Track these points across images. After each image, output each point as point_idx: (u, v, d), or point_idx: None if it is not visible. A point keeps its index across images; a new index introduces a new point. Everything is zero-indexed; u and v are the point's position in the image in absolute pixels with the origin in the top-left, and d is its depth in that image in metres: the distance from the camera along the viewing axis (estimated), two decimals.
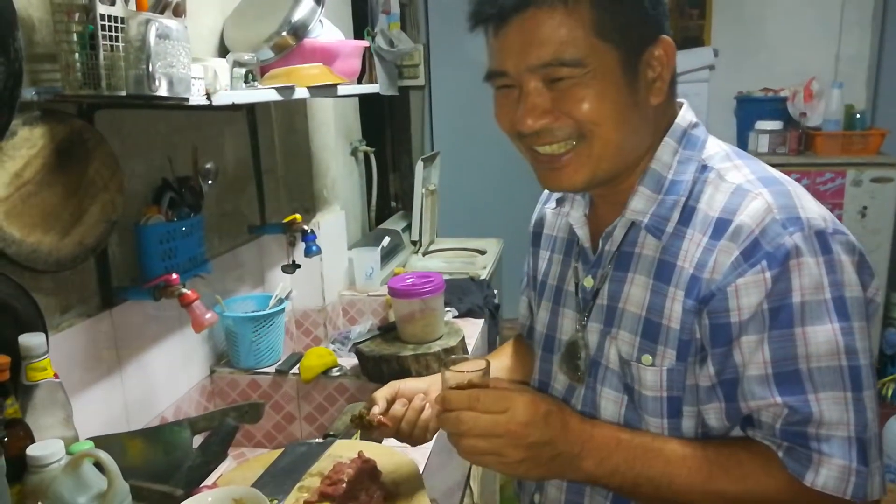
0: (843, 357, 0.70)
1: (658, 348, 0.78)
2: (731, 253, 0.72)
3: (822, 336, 0.70)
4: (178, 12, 1.15)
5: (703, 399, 0.77)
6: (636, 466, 0.76)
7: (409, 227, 2.87)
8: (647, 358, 0.79)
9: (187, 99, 1.04)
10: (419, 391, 0.97)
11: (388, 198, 3.37)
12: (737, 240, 0.72)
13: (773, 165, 0.82)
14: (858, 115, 3.33)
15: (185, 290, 1.21)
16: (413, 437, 0.96)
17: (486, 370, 0.79)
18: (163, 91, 1.00)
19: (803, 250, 0.70)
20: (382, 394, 0.97)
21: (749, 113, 3.47)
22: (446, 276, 2.35)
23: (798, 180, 0.80)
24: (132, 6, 1.07)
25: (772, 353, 0.71)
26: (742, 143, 3.47)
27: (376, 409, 0.95)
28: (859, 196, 3.15)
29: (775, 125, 3.35)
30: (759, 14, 3.53)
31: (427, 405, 0.96)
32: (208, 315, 1.22)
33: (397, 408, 0.95)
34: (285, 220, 1.73)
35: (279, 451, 1.13)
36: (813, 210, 0.74)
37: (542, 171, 0.81)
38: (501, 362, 1.09)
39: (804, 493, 0.71)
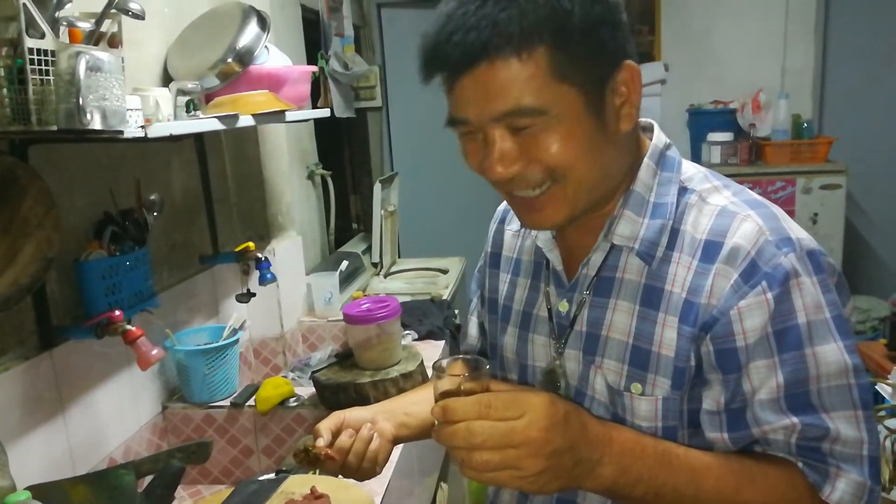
0: (850, 375, 0.70)
1: (648, 376, 0.76)
2: (730, 276, 0.71)
3: (830, 356, 0.69)
4: (114, 43, 1.13)
5: (707, 427, 0.75)
6: (661, 475, 0.69)
7: (369, 249, 2.85)
8: (636, 386, 0.76)
9: (122, 132, 1.02)
10: (366, 420, 0.92)
11: (349, 220, 3.36)
12: (733, 262, 0.71)
13: (725, 175, 0.82)
14: (805, 125, 3.44)
15: (128, 327, 1.17)
16: (361, 470, 0.90)
17: (485, 370, 0.69)
18: (95, 125, 0.97)
19: (800, 270, 0.70)
20: (326, 425, 0.91)
21: (701, 125, 3.55)
22: (408, 298, 2.34)
23: (750, 189, 0.80)
24: (64, 39, 1.04)
25: (785, 377, 0.69)
26: (695, 154, 3.54)
27: (321, 442, 0.88)
28: (810, 203, 3.24)
29: (726, 136, 3.43)
30: (705, 29, 3.63)
31: (375, 435, 0.91)
32: (154, 351, 1.18)
33: (343, 439, 0.89)
34: (237, 249, 1.70)
35: (229, 490, 1.09)
36: (800, 231, 0.74)
37: (521, 212, 0.79)
38: None
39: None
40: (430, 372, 1.70)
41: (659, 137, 0.82)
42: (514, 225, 0.98)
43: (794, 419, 0.69)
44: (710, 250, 0.73)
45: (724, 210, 0.75)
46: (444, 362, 0.72)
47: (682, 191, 0.79)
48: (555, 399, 0.66)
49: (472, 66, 0.69)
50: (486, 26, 0.67)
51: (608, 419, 0.79)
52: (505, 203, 1.04)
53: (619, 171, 0.78)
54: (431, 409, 0.68)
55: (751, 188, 0.81)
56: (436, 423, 0.67)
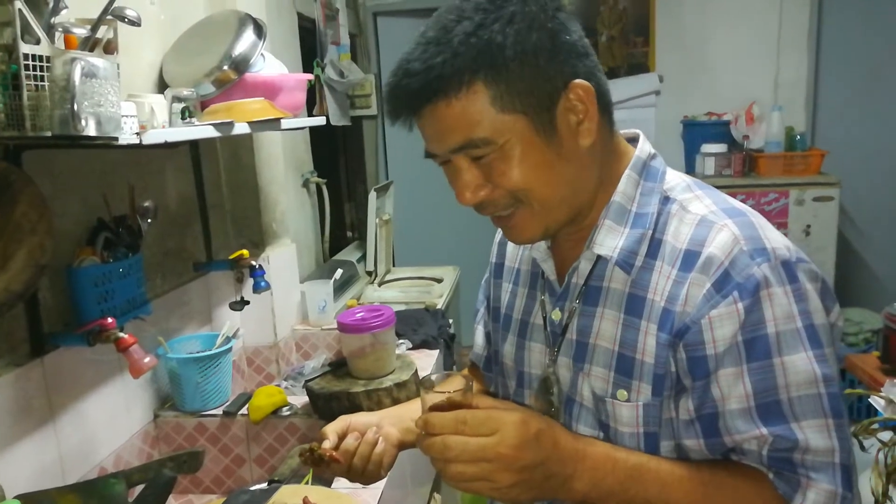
0: (820, 385, 0.70)
1: (633, 383, 0.77)
2: (703, 285, 0.72)
3: (800, 365, 0.70)
4: (110, 49, 1.12)
5: (682, 435, 0.76)
6: (632, 488, 0.72)
7: (364, 258, 2.85)
8: (622, 393, 0.78)
9: (116, 138, 1.01)
10: (371, 425, 0.94)
11: (343, 228, 3.35)
12: (707, 272, 0.72)
13: (719, 187, 0.83)
14: (798, 137, 3.46)
15: (121, 334, 1.16)
16: (366, 474, 0.92)
17: (469, 387, 0.75)
18: (90, 131, 0.96)
19: (772, 280, 0.71)
20: (333, 428, 0.93)
21: (695, 136, 3.56)
22: (403, 306, 2.34)
23: (743, 201, 0.81)
24: (60, 45, 1.04)
25: (753, 386, 0.71)
26: (689, 165, 3.56)
27: (327, 444, 0.90)
28: (803, 215, 3.25)
29: (720, 148, 3.44)
30: (700, 41, 3.65)
31: (381, 439, 0.93)
32: (147, 359, 1.17)
33: (349, 442, 0.91)
34: (231, 256, 1.69)
35: (220, 500, 1.08)
36: (777, 240, 0.75)
37: (502, 229, 0.84)
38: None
39: None
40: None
41: (643, 148, 0.83)
42: None
43: (764, 430, 0.70)
44: (688, 259, 0.75)
45: (704, 220, 0.77)
46: (434, 377, 0.78)
47: (665, 200, 0.81)
48: (527, 418, 0.70)
49: (419, 110, 0.75)
50: (424, 72, 0.72)
51: (595, 425, 0.82)
52: None
53: (589, 183, 0.80)
54: (415, 422, 0.74)
55: (744, 200, 0.81)
56: (421, 433, 0.73)
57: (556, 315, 0.86)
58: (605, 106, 0.78)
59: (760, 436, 0.71)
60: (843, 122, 3.66)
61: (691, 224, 0.77)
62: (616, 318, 0.79)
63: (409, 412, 0.99)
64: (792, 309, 0.71)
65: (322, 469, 0.90)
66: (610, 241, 0.80)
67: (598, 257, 0.82)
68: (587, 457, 0.72)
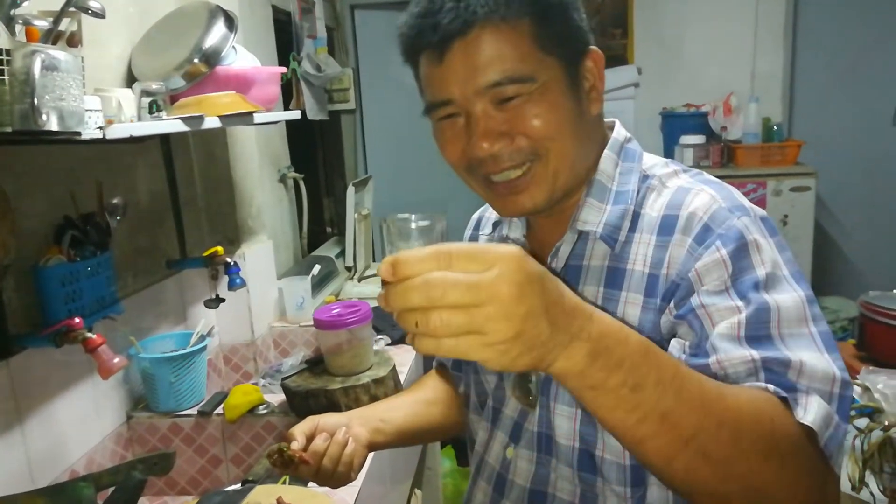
0: (811, 324, 0.68)
1: None
2: (685, 244, 0.73)
3: (790, 303, 0.68)
4: (74, 42, 1.09)
5: (672, 351, 0.72)
6: (643, 365, 0.56)
7: (343, 253, 2.82)
8: None
9: (79, 133, 0.98)
10: (340, 425, 0.93)
11: (322, 223, 3.32)
12: (688, 231, 0.73)
13: None
14: (775, 128, 3.48)
15: (88, 335, 1.14)
16: (335, 476, 0.90)
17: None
18: (52, 125, 0.94)
19: (753, 230, 0.71)
20: (301, 429, 0.92)
21: (674, 128, 3.58)
22: None
23: None
24: (21, 37, 1.01)
25: (746, 317, 0.67)
26: (668, 157, 3.52)
27: (295, 445, 0.88)
28: (780, 205, 3.27)
29: (698, 139, 3.46)
30: (677, 33, 3.66)
31: (350, 440, 0.91)
32: (116, 360, 1.15)
33: (318, 443, 0.89)
34: (206, 254, 1.66)
35: (195, 501, 1.06)
36: (753, 204, 0.76)
37: (500, 198, 0.80)
38: (425, 394, 1.06)
39: (794, 428, 0.61)
40: (402, 377, 1.68)
41: (619, 132, 0.86)
42: (487, 230, 1.01)
43: (754, 352, 0.65)
44: (667, 224, 0.76)
45: (680, 188, 0.78)
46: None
47: (644, 178, 0.82)
48: (526, 255, 0.52)
49: (464, 34, 0.72)
50: None
51: (572, 403, 0.80)
52: (479, 211, 1.05)
53: (591, 153, 0.82)
54: (378, 269, 0.52)
55: None
56: (381, 287, 0.52)
57: None
58: (603, 80, 0.81)
59: (749, 358, 0.65)
60: (820, 113, 3.69)
61: (668, 195, 0.78)
62: (595, 292, 0.80)
63: (377, 412, 0.98)
64: (777, 257, 0.71)
65: (291, 471, 0.88)
66: (593, 217, 0.81)
67: (579, 236, 0.82)
68: (594, 319, 0.55)
